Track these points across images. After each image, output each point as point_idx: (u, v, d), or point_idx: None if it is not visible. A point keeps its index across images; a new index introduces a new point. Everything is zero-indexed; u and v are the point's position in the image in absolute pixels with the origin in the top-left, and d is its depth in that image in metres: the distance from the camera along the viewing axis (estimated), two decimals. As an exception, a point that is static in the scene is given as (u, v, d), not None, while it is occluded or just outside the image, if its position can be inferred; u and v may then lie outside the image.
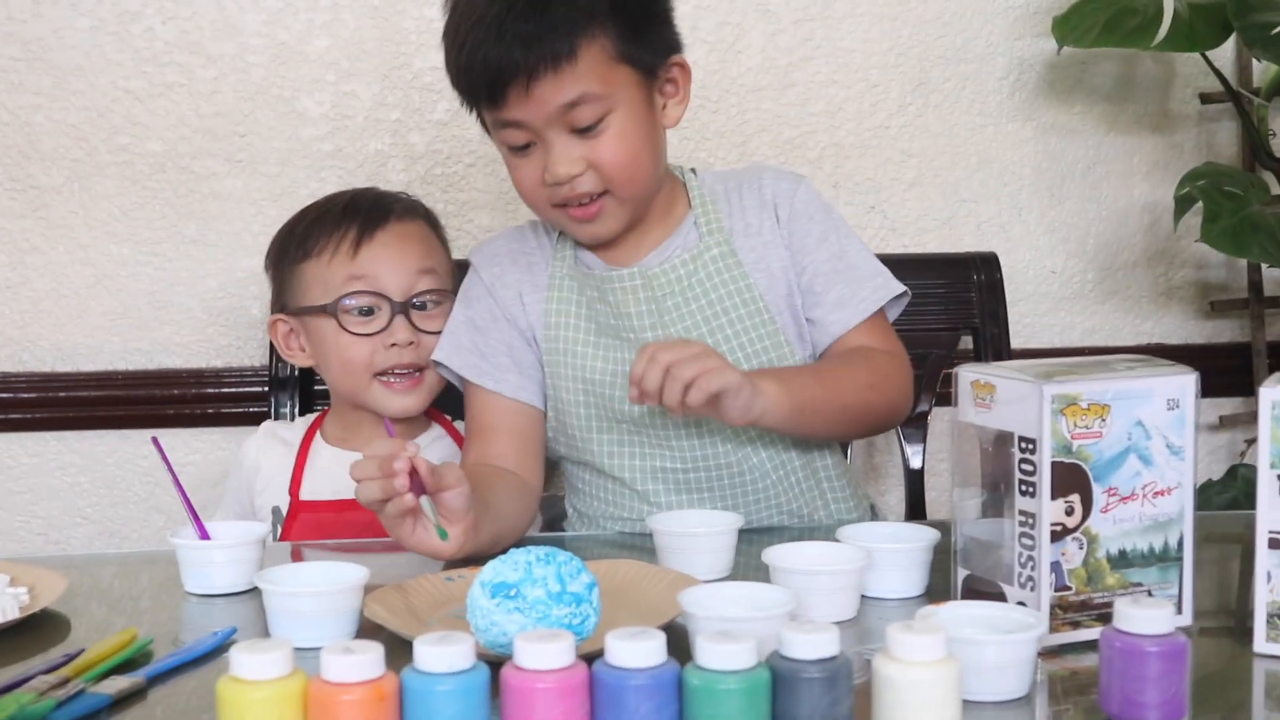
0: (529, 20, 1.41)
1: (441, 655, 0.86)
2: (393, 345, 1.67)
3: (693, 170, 1.63)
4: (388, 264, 1.68)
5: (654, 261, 1.55)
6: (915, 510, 1.97)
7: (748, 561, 1.36)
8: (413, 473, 1.23)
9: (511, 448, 1.55)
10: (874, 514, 1.66)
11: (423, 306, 1.70)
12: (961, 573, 1.18)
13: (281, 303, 1.76)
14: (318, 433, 1.77)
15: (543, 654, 0.87)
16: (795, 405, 1.41)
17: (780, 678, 0.89)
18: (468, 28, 1.44)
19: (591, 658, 0.91)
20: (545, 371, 1.56)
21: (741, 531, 1.36)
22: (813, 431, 1.51)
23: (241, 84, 2.08)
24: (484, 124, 1.53)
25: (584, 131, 1.45)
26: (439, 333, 1.63)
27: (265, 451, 1.78)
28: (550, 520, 1.73)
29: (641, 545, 1.47)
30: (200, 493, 2.00)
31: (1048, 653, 1.10)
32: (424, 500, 1.26)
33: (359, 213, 1.72)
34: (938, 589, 1.26)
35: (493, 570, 1.05)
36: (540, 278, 1.58)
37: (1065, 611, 1.11)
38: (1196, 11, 2.03)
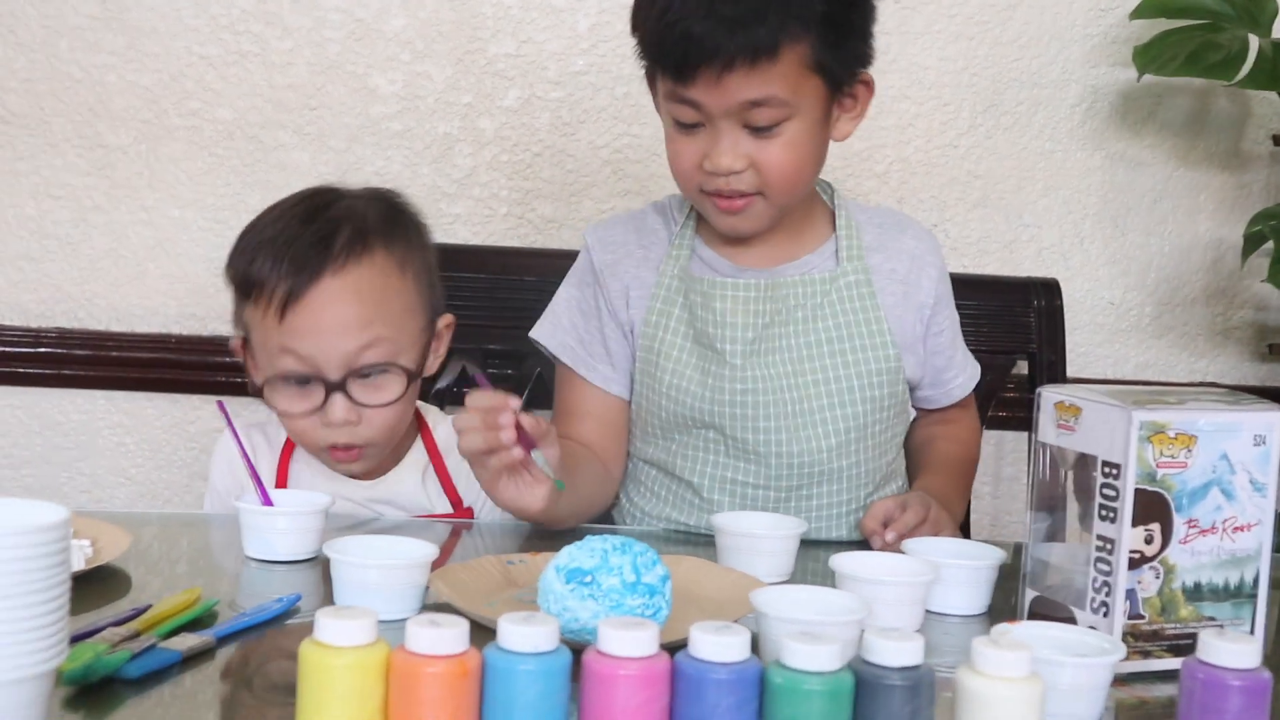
0: (740, 4, 1.38)
1: (527, 635, 0.85)
2: (330, 424, 1.48)
3: (829, 184, 1.61)
4: (319, 337, 1.46)
5: (791, 271, 1.54)
6: (960, 529, 1.95)
7: (806, 567, 1.36)
8: (517, 426, 1.24)
9: (596, 434, 1.56)
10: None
11: (367, 375, 1.49)
12: (1030, 593, 1.17)
13: (241, 323, 1.55)
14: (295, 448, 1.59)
15: (628, 641, 0.86)
16: (958, 517, 1.60)
17: (863, 683, 0.89)
18: None
19: (665, 649, 0.90)
20: (636, 368, 1.56)
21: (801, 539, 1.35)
22: None
23: (316, 57, 2.08)
24: (652, 85, 1.51)
25: (757, 130, 1.43)
26: (386, 404, 1.48)
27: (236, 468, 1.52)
28: None
29: (696, 544, 1.46)
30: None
31: (1117, 680, 1.09)
32: (536, 454, 1.27)
33: (294, 261, 1.47)
34: (999, 608, 1.25)
35: (568, 555, 1.04)
36: (649, 276, 1.56)
37: (1137, 640, 1.10)
38: None
